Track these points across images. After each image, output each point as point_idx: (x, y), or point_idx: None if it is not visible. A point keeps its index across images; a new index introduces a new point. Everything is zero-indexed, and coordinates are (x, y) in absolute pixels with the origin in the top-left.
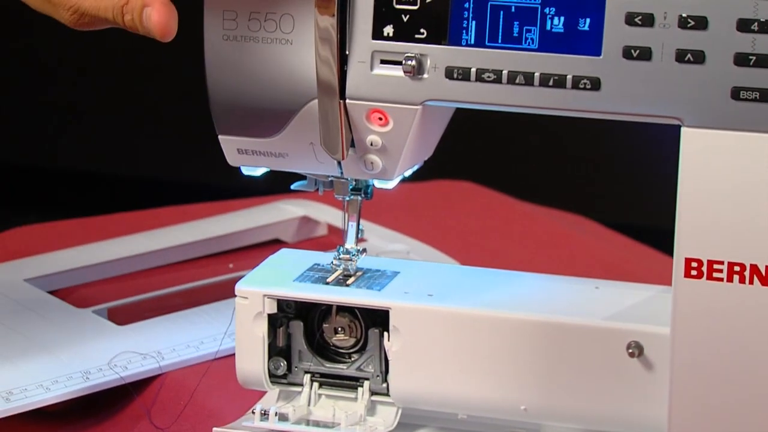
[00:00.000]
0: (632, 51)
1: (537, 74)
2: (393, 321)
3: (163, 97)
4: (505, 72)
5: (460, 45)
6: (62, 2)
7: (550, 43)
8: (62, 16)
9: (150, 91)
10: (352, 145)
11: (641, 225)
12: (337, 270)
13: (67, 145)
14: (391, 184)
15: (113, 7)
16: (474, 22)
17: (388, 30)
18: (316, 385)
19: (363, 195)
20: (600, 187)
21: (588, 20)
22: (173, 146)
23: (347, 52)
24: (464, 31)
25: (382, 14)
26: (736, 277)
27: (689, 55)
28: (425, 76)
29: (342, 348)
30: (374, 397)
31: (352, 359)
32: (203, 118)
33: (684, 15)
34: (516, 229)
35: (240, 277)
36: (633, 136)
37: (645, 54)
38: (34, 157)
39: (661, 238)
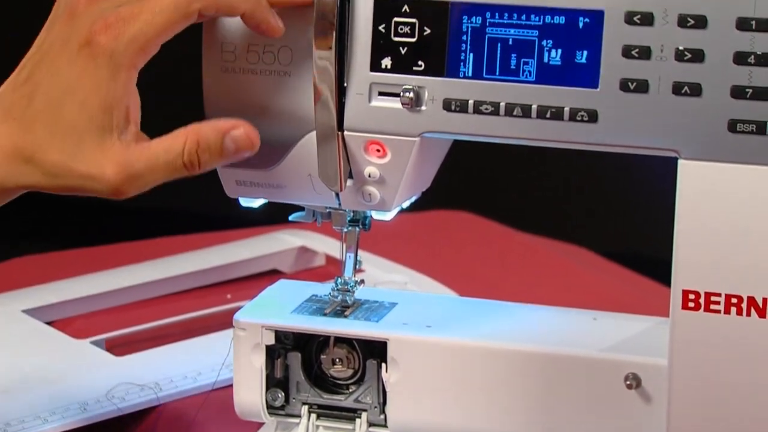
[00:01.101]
0: (629, 83)
1: (534, 106)
2: (391, 352)
3: (161, 126)
4: (502, 104)
5: (458, 77)
6: (96, 167)
7: (547, 76)
8: (106, 174)
9: (147, 121)
10: (350, 176)
11: (640, 254)
12: (335, 301)
13: None
14: (388, 216)
15: (189, 150)
16: (471, 54)
17: (386, 62)
18: (314, 416)
19: (361, 226)
20: (598, 217)
21: (585, 53)
22: None
23: (345, 84)
24: (462, 63)
25: (380, 46)
26: (733, 309)
27: (686, 88)
28: (423, 108)
29: (340, 379)
30: (372, 429)
31: (350, 390)
32: None
33: (681, 47)
34: (514, 259)
35: (238, 308)
36: (631, 165)
37: (642, 86)
38: None
39: (660, 268)
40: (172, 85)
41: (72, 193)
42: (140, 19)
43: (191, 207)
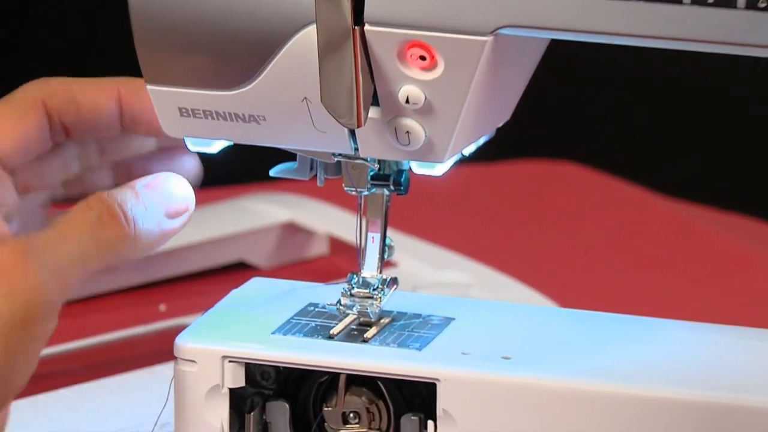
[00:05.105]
0: None
1: None
2: (442, 402)
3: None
4: None
5: None
6: None
7: None
8: None
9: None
10: (375, 102)
11: None
12: (347, 314)
13: None
14: (440, 169)
15: None
16: None
17: None
18: None
19: (393, 187)
20: None
21: None
22: None
23: None
24: None
25: None
26: None
27: None
28: None
29: None
30: None
31: None
32: None
33: None
34: (644, 240)
35: (181, 327)
36: None
37: None
38: None
39: None
40: None
41: None
42: None
43: None
